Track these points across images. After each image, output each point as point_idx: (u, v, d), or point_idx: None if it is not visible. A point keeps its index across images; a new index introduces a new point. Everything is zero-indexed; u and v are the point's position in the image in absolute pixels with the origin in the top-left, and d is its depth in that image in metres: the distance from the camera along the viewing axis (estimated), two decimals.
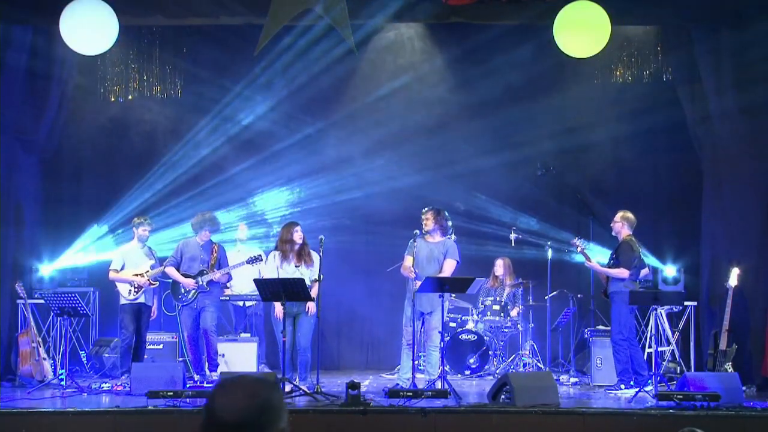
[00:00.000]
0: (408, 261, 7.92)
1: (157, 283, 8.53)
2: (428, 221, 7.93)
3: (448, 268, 7.89)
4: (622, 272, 8.04)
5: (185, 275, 8.25)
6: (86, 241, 9.67)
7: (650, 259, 9.56)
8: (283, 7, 8.35)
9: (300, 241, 7.96)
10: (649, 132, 9.97)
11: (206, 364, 8.26)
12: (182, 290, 8.27)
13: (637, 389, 7.63)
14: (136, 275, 8.36)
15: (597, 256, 8.68)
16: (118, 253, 8.58)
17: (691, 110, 9.12)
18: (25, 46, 8.91)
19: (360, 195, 10.24)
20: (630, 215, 8.31)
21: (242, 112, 10.15)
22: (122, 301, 8.42)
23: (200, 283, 8.21)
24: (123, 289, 8.39)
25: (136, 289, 8.35)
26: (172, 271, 8.30)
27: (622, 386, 7.89)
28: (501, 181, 10.15)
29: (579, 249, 8.32)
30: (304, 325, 7.80)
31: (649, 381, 7.67)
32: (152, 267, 8.46)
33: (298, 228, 8.00)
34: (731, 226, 8.80)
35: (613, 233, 8.40)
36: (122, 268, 8.41)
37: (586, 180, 10.18)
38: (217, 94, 10.08)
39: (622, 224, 8.27)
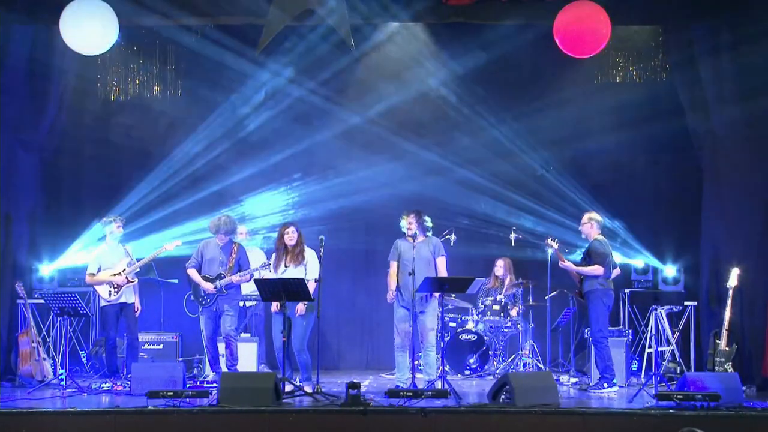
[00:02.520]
0: (393, 267, 7.91)
1: (137, 280, 8.47)
2: (412, 225, 7.89)
3: (442, 267, 7.92)
4: (597, 269, 8.05)
5: (205, 278, 8.20)
6: (86, 241, 9.65)
7: (650, 260, 9.58)
8: (283, 7, 8.36)
9: (291, 243, 7.92)
10: (649, 132, 9.95)
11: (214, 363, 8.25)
12: (202, 293, 8.20)
13: (637, 389, 7.66)
14: (114, 275, 8.32)
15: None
16: (93, 256, 8.50)
17: (691, 110, 9.12)
18: (25, 46, 8.92)
19: (360, 194, 10.21)
20: (597, 216, 8.34)
21: (242, 112, 10.13)
22: (102, 303, 8.39)
23: (218, 287, 8.15)
24: (103, 291, 8.35)
25: (116, 290, 8.33)
26: (193, 273, 8.23)
27: (605, 384, 7.93)
28: (501, 180, 10.15)
29: (553, 249, 8.25)
30: (296, 328, 7.76)
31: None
32: (128, 264, 8.41)
33: (290, 230, 7.94)
34: (731, 226, 8.79)
35: (583, 236, 8.40)
36: (98, 271, 8.36)
37: (586, 180, 10.17)
38: (217, 94, 10.08)
39: (590, 225, 8.27)
